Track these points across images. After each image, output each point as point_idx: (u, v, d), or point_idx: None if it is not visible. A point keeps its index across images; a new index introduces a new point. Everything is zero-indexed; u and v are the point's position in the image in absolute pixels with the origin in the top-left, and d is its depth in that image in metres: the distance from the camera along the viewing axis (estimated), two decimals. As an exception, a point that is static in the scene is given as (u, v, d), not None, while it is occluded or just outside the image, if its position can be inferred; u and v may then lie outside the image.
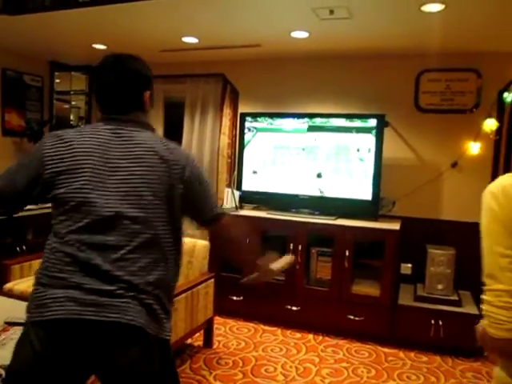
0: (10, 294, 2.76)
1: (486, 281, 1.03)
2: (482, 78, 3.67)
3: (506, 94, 3.53)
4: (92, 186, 1.35)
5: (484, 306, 1.04)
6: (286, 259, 1.77)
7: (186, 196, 1.44)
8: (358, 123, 3.74)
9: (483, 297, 1.05)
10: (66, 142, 1.40)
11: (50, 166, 1.37)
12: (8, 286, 3.05)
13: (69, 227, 1.34)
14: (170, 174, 1.40)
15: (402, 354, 3.36)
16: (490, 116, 3.64)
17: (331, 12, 2.86)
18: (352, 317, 3.55)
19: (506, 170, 3.67)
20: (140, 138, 1.43)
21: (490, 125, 3.61)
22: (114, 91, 1.49)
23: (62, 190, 1.35)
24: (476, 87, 3.69)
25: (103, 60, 1.52)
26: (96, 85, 1.52)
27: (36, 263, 3.22)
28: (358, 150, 3.73)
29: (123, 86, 1.49)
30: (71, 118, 5.39)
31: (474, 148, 3.71)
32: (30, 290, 2.56)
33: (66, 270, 1.31)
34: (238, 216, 3.83)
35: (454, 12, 2.72)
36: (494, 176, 3.70)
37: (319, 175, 3.83)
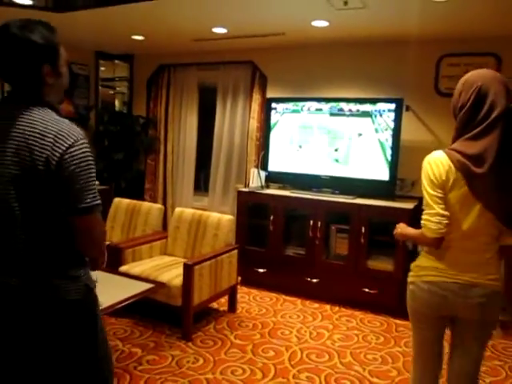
0: (128, 275, 3.13)
1: (426, 208, 1.72)
2: (501, 62, 3.74)
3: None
4: None
5: (423, 221, 1.71)
6: None
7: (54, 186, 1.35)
8: (377, 106, 3.91)
9: (423, 216, 1.71)
10: None
11: None
12: (124, 268, 3.36)
13: None
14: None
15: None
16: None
17: (345, 3, 3.05)
18: (367, 290, 3.79)
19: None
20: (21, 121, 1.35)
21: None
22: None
23: None
24: (495, 71, 3.76)
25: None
26: None
27: (145, 248, 3.66)
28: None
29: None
30: (116, 103, 5.84)
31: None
32: (146, 273, 3.22)
33: None
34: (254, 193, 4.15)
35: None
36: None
37: (336, 149, 4.10)
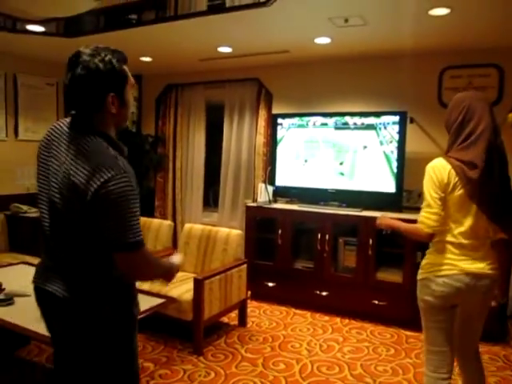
0: (139, 290, 3.09)
1: (425, 208, 1.95)
2: (504, 73, 3.79)
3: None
4: None
5: (422, 218, 1.95)
6: (177, 258, 1.76)
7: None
8: (381, 119, 3.96)
9: (422, 214, 1.95)
10: None
11: None
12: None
13: None
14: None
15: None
16: (512, 110, 3.76)
17: (346, 20, 3.14)
18: (376, 301, 3.80)
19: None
20: (75, 148, 1.40)
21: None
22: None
23: None
24: (498, 82, 3.81)
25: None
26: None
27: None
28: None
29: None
30: (125, 122, 5.95)
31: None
32: (157, 288, 3.14)
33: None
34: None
35: (460, 14, 2.92)
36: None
37: (342, 163, 4.15)
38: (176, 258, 1.72)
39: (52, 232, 1.49)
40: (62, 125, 1.51)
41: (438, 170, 1.92)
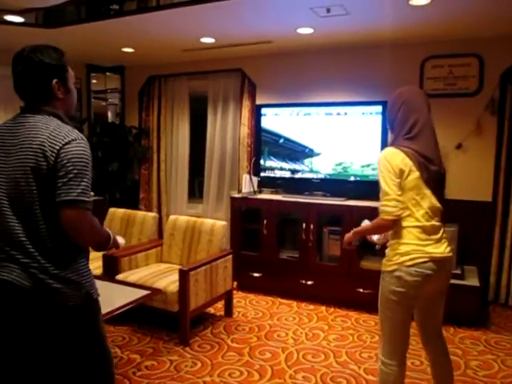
0: (124, 283, 3.16)
1: (383, 197, 1.95)
2: (484, 63, 3.84)
3: None
4: None
5: (382, 207, 1.95)
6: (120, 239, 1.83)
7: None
8: (364, 109, 4.00)
9: (381, 203, 1.95)
10: None
11: None
12: (120, 276, 3.38)
13: None
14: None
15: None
16: (492, 99, 3.82)
17: (328, 10, 3.15)
18: (361, 290, 3.85)
19: (510, 150, 3.85)
20: (29, 126, 1.50)
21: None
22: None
23: None
24: (478, 71, 3.86)
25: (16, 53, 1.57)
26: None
27: (141, 256, 3.71)
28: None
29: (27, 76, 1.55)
30: (108, 114, 5.89)
31: (477, 129, 3.89)
32: (142, 280, 3.22)
33: None
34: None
35: (440, 4, 2.95)
36: (498, 155, 3.88)
37: (325, 153, 4.16)
38: (119, 238, 1.79)
39: (9, 218, 1.47)
40: (5, 123, 1.58)
41: (391, 158, 1.95)
